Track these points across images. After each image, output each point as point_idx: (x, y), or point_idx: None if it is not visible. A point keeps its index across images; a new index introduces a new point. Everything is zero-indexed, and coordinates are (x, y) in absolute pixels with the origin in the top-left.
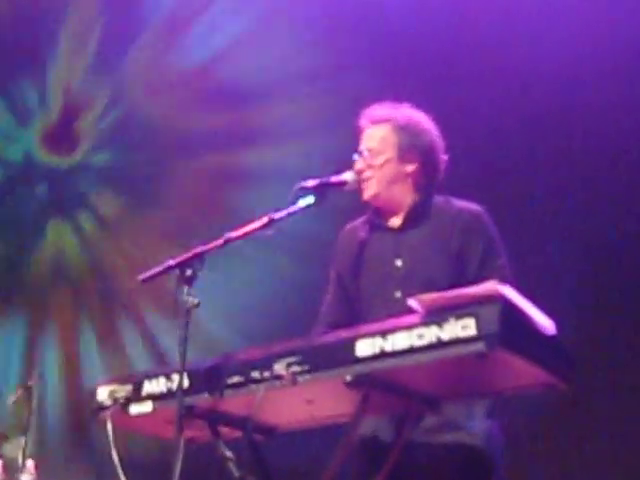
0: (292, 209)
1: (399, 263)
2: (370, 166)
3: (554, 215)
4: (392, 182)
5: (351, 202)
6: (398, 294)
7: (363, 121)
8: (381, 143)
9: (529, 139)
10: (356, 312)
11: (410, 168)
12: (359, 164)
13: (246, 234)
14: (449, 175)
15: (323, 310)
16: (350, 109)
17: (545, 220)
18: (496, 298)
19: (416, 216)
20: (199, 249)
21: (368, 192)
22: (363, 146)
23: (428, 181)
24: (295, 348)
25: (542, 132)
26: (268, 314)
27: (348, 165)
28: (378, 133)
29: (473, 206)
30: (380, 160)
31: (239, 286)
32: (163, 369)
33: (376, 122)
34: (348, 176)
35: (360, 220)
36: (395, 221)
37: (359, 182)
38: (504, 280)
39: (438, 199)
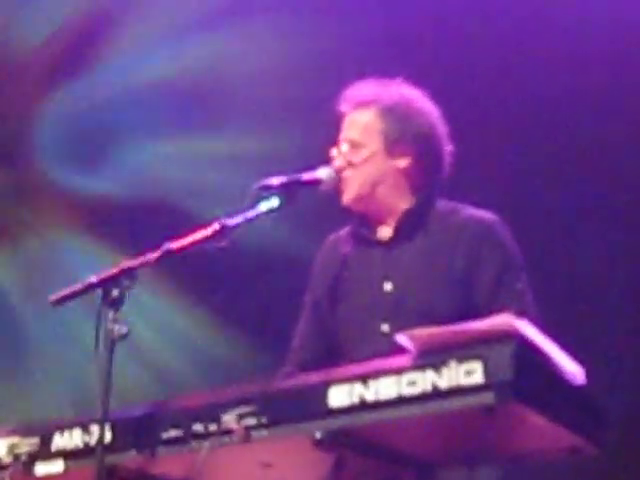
0: (251, 214)
1: (388, 287)
2: (351, 163)
3: (594, 226)
4: (378, 182)
5: (331, 207)
6: (385, 327)
7: (343, 105)
8: (364, 132)
9: (557, 133)
10: (335, 349)
11: (402, 163)
12: (338, 160)
13: (192, 245)
14: (458, 174)
15: (293, 345)
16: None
17: (580, 233)
18: (510, 336)
19: (411, 226)
20: (128, 263)
21: (347, 195)
22: (343, 136)
23: (427, 180)
24: (250, 395)
25: (575, 124)
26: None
27: (326, 160)
28: (360, 119)
29: (486, 214)
30: (363, 154)
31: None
32: (79, 418)
33: (358, 105)
34: (324, 173)
35: (344, 231)
36: (384, 232)
37: (338, 181)
38: (522, 312)
39: (441, 205)
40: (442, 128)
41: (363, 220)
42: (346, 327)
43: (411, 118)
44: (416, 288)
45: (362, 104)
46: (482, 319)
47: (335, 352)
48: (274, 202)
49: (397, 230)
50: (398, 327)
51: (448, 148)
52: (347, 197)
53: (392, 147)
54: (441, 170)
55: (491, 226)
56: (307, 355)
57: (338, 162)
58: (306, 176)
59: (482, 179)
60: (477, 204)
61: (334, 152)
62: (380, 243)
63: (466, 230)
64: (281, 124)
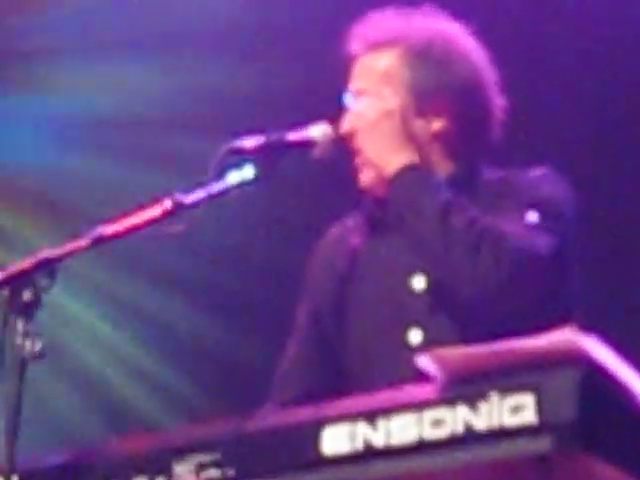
0: (216, 188)
1: (419, 283)
2: (366, 122)
3: None
4: (405, 150)
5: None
6: (415, 337)
7: (355, 43)
8: (384, 82)
9: None
10: (342, 379)
11: (437, 124)
12: (347, 120)
13: (132, 229)
14: (511, 137)
15: (281, 374)
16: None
17: None
18: (574, 358)
19: None
20: (46, 254)
21: (368, 175)
22: (353, 87)
23: (470, 146)
24: (213, 438)
25: None
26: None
27: (322, 116)
28: (379, 65)
29: (553, 187)
30: (382, 112)
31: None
32: None
33: (375, 46)
34: (318, 132)
35: (352, 218)
36: None
37: (337, 144)
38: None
39: (490, 175)
40: (491, 76)
41: (382, 202)
42: (358, 344)
43: (449, 63)
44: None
45: (381, 44)
46: (538, 332)
47: (342, 383)
48: (248, 172)
49: None
50: (433, 338)
51: (499, 102)
52: (366, 179)
53: (423, 103)
54: (489, 132)
55: (562, 202)
56: (301, 387)
57: (347, 123)
58: (292, 136)
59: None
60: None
61: (345, 102)
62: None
63: (525, 205)
64: (265, 61)
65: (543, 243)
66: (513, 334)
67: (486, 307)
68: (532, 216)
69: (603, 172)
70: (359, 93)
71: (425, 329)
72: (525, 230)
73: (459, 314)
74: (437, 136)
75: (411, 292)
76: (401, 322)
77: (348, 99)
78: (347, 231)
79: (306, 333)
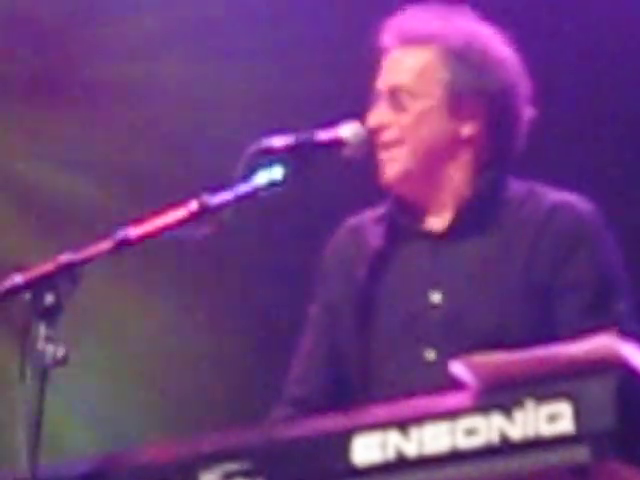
0: (244, 189)
1: (436, 298)
2: (399, 121)
3: None
4: (435, 152)
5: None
6: (431, 354)
7: (387, 37)
8: (420, 79)
9: None
10: (358, 381)
11: (467, 129)
12: (377, 114)
13: (158, 231)
14: (536, 147)
15: (294, 374)
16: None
17: None
18: (612, 366)
19: (475, 215)
20: (68, 257)
21: (392, 170)
22: (385, 82)
23: (499, 153)
24: (240, 447)
25: None
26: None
27: (351, 113)
28: (414, 61)
29: (578, 201)
30: (416, 109)
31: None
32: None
33: (411, 41)
34: (349, 131)
35: (370, 214)
36: (435, 221)
37: (371, 145)
38: (625, 335)
39: (516, 187)
40: (524, 84)
41: (404, 203)
42: (374, 350)
43: (487, 66)
44: (477, 301)
45: (417, 40)
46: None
47: (357, 385)
48: (277, 172)
49: (455, 221)
50: (448, 354)
51: (529, 112)
52: (391, 173)
53: (457, 105)
54: (516, 141)
55: (586, 219)
56: (315, 388)
57: (375, 118)
58: (323, 135)
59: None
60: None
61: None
62: (429, 237)
63: (551, 222)
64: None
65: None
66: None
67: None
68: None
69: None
70: (393, 89)
71: (439, 348)
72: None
73: (476, 333)
74: (467, 140)
75: (428, 306)
76: (417, 338)
77: (379, 94)
78: (364, 228)
79: (320, 330)
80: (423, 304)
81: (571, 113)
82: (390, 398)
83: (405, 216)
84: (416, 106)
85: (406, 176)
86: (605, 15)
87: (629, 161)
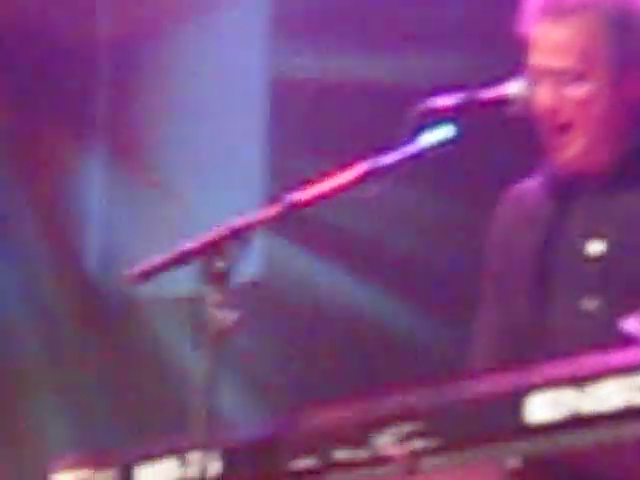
0: (413, 148)
1: (595, 247)
2: (567, 104)
3: None
4: (604, 124)
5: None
6: (590, 304)
7: (534, 8)
8: (583, 60)
9: None
10: (526, 344)
11: (635, 94)
12: (544, 96)
13: (326, 195)
14: None
15: (477, 347)
16: None
17: None
18: None
19: (636, 164)
20: (236, 223)
21: (569, 153)
22: (543, 61)
23: None
24: (414, 408)
25: None
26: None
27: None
28: (574, 38)
29: None
30: (584, 91)
31: None
32: (172, 444)
33: (562, 11)
34: (516, 89)
35: (531, 181)
36: (596, 173)
37: (531, 98)
38: None
39: None
40: None
41: (575, 176)
42: (536, 310)
43: None
44: None
45: (568, 9)
46: None
47: (526, 347)
48: (448, 130)
49: (617, 171)
50: (610, 304)
51: None
52: (568, 156)
53: (623, 78)
54: None
55: None
56: (498, 356)
57: (543, 101)
58: (489, 93)
59: None
60: None
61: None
62: (588, 189)
63: None
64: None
65: None
66: None
67: None
68: None
69: None
70: (557, 72)
71: (600, 297)
72: None
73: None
74: (630, 104)
75: (586, 257)
76: (573, 289)
77: (536, 71)
78: (526, 194)
79: (493, 300)
80: (580, 255)
81: None
82: (556, 352)
83: (565, 173)
84: (583, 89)
85: (581, 157)
86: None
87: None
